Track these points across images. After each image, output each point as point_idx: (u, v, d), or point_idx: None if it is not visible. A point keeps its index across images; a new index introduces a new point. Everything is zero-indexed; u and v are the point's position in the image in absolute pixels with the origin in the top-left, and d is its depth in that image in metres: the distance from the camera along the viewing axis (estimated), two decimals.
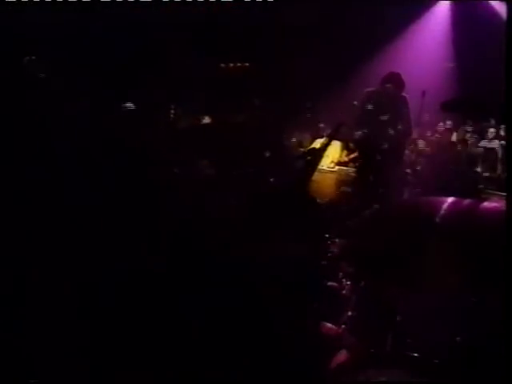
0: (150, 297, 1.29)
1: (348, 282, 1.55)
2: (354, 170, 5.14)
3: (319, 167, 6.01)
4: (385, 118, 4.58)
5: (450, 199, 1.55)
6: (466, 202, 1.55)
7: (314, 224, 1.48)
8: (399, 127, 4.56)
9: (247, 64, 6.77)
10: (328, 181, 5.11)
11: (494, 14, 5.88)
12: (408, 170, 5.24)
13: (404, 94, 4.57)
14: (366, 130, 4.62)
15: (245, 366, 1.21)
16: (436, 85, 5.20)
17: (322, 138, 5.36)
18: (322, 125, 6.18)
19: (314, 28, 5.95)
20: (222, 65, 6.83)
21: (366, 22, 5.92)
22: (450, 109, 1.31)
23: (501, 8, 5.85)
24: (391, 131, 4.53)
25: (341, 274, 1.56)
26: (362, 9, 5.88)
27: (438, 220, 1.41)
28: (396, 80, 4.62)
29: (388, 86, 4.57)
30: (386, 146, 4.53)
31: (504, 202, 1.60)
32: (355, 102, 5.09)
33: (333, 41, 6.01)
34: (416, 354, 1.55)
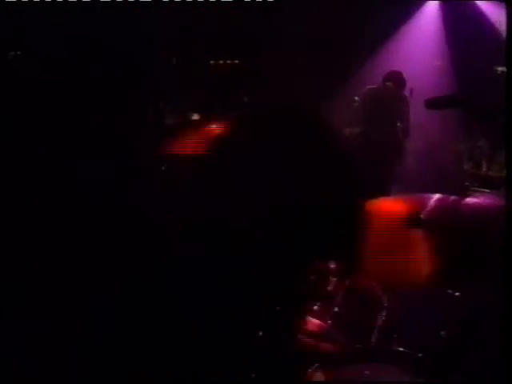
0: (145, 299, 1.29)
1: (334, 279, 1.57)
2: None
3: None
4: (384, 115, 4.61)
5: (436, 196, 1.58)
6: (451, 198, 1.57)
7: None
8: (398, 125, 4.59)
9: (237, 61, 6.75)
10: None
11: (480, 13, 5.97)
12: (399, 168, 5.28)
13: (405, 93, 4.61)
14: (365, 127, 4.65)
15: (230, 365, 1.21)
16: (428, 83, 5.27)
17: None
18: None
19: (306, 29, 5.97)
20: (212, 62, 6.80)
21: (357, 24, 5.97)
22: (433, 106, 1.32)
23: (487, 8, 5.94)
24: (390, 129, 4.56)
25: (327, 270, 1.58)
26: (353, 11, 5.93)
27: (422, 216, 1.43)
28: (397, 79, 4.66)
29: (388, 84, 4.60)
30: (384, 143, 4.56)
31: (486, 197, 1.63)
32: (356, 98, 5.11)
33: (325, 42, 6.05)
34: (402, 349, 1.58)
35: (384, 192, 4.27)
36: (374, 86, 4.77)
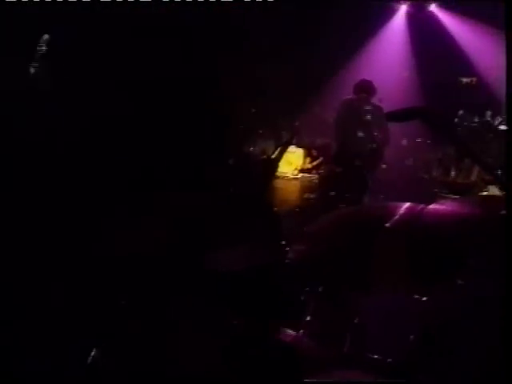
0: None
1: (306, 288, 1.58)
2: (317, 176, 5.24)
3: (283, 175, 6.11)
4: (360, 125, 4.72)
5: (406, 205, 1.61)
6: (419, 207, 1.61)
7: (270, 231, 1.51)
8: (376, 134, 4.69)
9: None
10: (292, 188, 5.20)
11: (444, 28, 6.25)
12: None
13: (378, 103, 4.73)
14: (343, 138, 4.74)
15: (206, 373, 1.21)
16: (397, 93, 5.44)
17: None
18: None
19: (281, 37, 6.05)
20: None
21: (329, 38, 6.11)
22: (393, 119, 1.37)
23: (451, 23, 6.23)
24: (368, 138, 4.66)
25: (298, 279, 1.60)
26: (324, 25, 6.07)
27: (388, 225, 1.47)
28: (367, 87, 4.78)
29: (362, 94, 4.70)
30: (363, 152, 4.66)
31: (453, 203, 1.69)
32: (317, 109, 5.21)
33: (298, 53, 6.15)
34: (376, 356, 1.60)
35: (359, 199, 4.36)
36: (349, 97, 4.88)
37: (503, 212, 1.38)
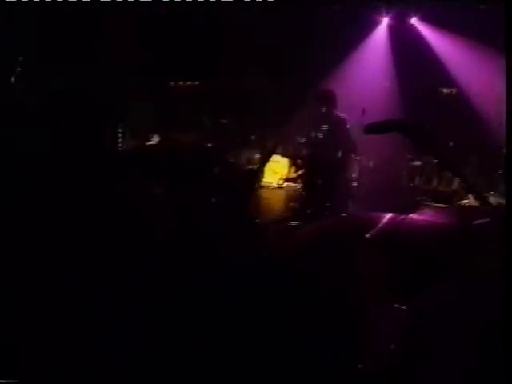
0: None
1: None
2: (301, 186, 5.29)
3: (268, 184, 6.16)
4: (323, 136, 4.79)
5: (387, 215, 1.63)
6: (400, 217, 1.63)
7: (251, 242, 1.52)
8: (340, 144, 4.76)
9: (197, 82, 6.83)
10: (277, 197, 5.24)
11: (423, 40, 6.41)
12: (355, 184, 5.46)
13: (340, 114, 4.79)
14: (308, 148, 4.83)
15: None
16: (379, 101, 5.55)
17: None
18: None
19: (264, 49, 6.13)
20: (172, 83, 6.84)
21: (313, 48, 6.22)
22: (371, 131, 1.40)
23: (429, 35, 6.40)
24: (331, 149, 4.74)
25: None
26: (308, 35, 6.18)
27: (368, 235, 1.49)
28: (327, 98, 4.84)
29: (324, 108, 4.77)
30: (327, 162, 4.73)
31: (432, 213, 1.72)
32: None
33: (281, 65, 6.24)
34: (360, 365, 1.61)
35: (338, 208, 4.41)
36: (313, 110, 4.95)
37: (477, 222, 1.42)
